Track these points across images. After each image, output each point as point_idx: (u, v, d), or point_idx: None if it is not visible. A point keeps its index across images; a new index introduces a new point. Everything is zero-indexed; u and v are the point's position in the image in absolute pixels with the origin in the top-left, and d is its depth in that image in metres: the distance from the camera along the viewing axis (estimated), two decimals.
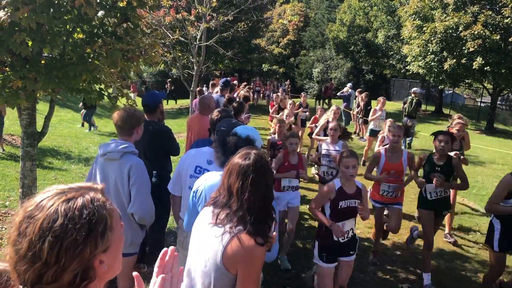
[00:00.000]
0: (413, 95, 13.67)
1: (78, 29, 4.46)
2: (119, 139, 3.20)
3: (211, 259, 1.94)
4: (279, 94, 12.92)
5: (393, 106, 28.73)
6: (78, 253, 1.05)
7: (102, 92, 4.57)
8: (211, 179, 2.57)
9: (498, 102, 23.39)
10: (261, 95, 27.03)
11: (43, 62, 4.27)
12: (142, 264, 4.53)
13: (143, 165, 3.16)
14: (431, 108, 27.58)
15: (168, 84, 26.28)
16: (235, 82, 17.92)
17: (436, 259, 5.51)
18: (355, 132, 15.95)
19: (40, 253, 1.03)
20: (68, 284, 1.06)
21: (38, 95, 4.64)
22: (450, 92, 30.76)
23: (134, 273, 1.44)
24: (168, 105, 25.19)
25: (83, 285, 1.09)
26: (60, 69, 3.93)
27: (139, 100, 6.99)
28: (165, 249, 1.53)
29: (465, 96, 38.07)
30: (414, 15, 20.11)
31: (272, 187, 2.12)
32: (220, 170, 2.60)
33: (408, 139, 12.95)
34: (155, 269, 1.51)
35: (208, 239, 1.99)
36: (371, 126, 11.33)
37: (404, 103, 14.31)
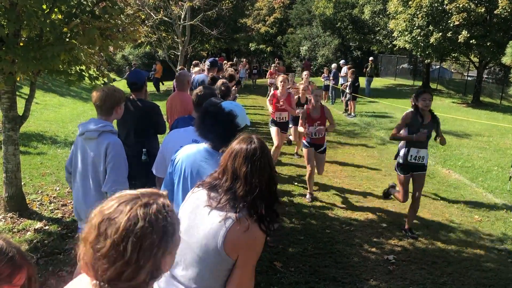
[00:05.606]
0: (370, 62, 20.00)
1: (55, 10, 4.38)
2: (98, 118, 3.17)
3: (209, 243, 1.87)
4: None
5: (381, 82, 28.85)
6: (154, 254, 1.17)
7: (83, 73, 4.51)
8: (189, 149, 2.54)
9: (485, 76, 23.50)
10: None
11: (21, 44, 4.19)
12: None
13: (121, 145, 3.13)
14: (419, 83, 27.63)
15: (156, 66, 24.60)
16: (224, 62, 17.74)
17: (421, 230, 5.62)
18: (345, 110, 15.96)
19: (124, 253, 1.13)
20: (142, 282, 1.17)
21: (18, 79, 4.57)
22: (437, 67, 30.81)
23: None
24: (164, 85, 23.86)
25: (150, 283, 1.21)
26: (37, 50, 3.87)
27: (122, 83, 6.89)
28: None
29: (452, 70, 38.14)
30: None
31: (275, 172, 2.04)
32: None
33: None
34: None
35: (205, 223, 1.91)
36: None
37: (366, 68, 20.30)
